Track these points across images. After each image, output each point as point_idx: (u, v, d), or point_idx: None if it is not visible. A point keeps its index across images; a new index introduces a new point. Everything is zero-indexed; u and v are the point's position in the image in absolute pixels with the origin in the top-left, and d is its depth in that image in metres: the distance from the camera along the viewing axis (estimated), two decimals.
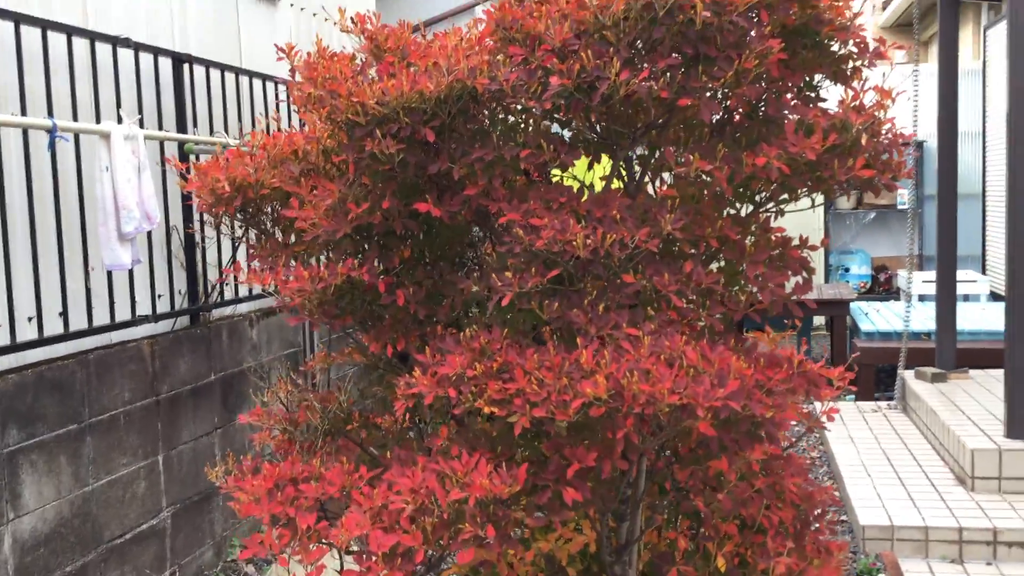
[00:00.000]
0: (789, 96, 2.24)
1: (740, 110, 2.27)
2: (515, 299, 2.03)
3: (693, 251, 2.15)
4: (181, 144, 5.18)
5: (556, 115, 2.18)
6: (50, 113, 4.23)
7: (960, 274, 9.05)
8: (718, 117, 2.29)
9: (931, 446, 6.47)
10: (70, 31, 4.43)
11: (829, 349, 8.73)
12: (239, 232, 2.77)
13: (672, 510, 2.67)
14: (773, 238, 2.22)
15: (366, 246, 2.30)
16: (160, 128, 5.10)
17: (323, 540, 2.15)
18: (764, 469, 2.65)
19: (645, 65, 1.98)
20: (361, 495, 2.04)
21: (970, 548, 5.02)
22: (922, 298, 8.97)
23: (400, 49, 2.20)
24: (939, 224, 7.02)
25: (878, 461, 6.25)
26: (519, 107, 2.15)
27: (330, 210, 2.17)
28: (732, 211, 2.33)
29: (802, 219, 10.74)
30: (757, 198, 2.29)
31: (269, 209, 2.50)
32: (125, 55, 4.82)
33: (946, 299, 7.01)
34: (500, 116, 2.22)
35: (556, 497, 1.98)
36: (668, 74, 1.99)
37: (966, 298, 9.20)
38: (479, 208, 2.17)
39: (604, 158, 2.32)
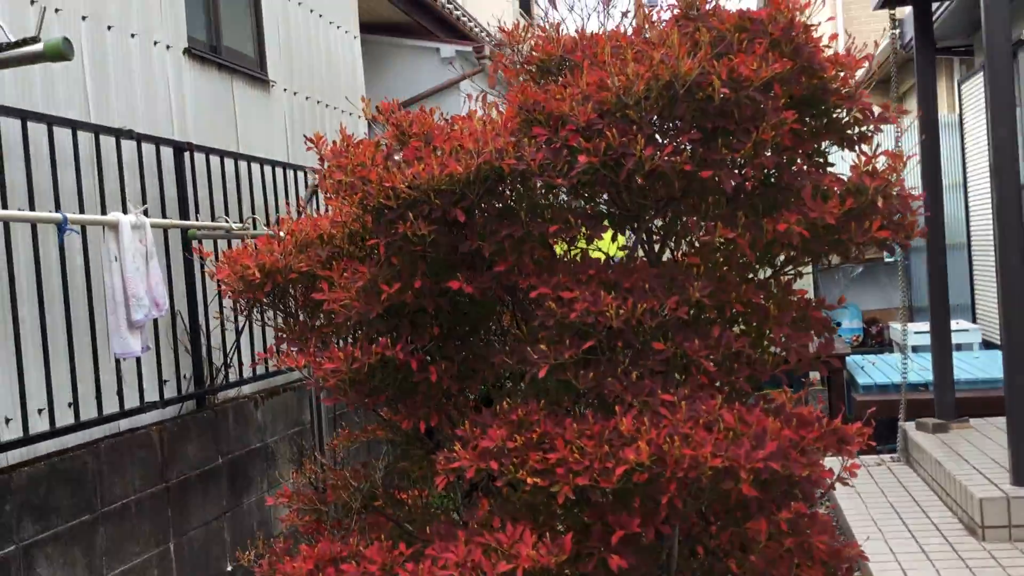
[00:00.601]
0: (800, 163, 2.33)
1: (753, 178, 2.34)
2: (550, 371, 2.07)
3: (719, 316, 2.21)
4: (184, 230, 5.24)
5: (579, 191, 2.25)
6: (57, 207, 4.29)
7: (952, 324, 9.14)
8: (735, 184, 2.37)
9: (938, 497, 6.48)
10: (75, 125, 4.51)
11: (827, 404, 8.77)
12: (254, 316, 2.82)
13: (706, 574, 2.69)
14: (794, 300, 2.29)
15: (397, 324, 2.35)
16: (163, 215, 5.16)
17: None
18: (791, 529, 2.68)
19: (667, 141, 2.06)
20: (405, 572, 2.06)
21: None
22: (915, 349, 9.05)
23: (425, 134, 2.27)
24: (930, 275, 7.12)
25: (886, 514, 6.25)
26: (542, 185, 2.22)
27: (362, 291, 2.22)
28: (752, 275, 2.40)
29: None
30: (776, 262, 2.36)
31: (294, 292, 2.55)
32: (128, 146, 4.91)
33: (942, 349, 7.08)
34: (525, 194, 2.29)
35: (601, 565, 2.00)
36: (689, 148, 2.06)
37: (959, 347, 9.28)
38: (507, 283, 2.23)
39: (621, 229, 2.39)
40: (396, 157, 2.25)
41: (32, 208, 4.16)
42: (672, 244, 2.42)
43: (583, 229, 2.18)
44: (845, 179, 2.21)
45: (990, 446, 6.56)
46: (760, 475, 1.84)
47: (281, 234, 2.51)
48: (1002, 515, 5.51)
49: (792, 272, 2.38)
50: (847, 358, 8.74)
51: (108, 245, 4.38)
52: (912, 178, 7.87)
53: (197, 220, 5.50)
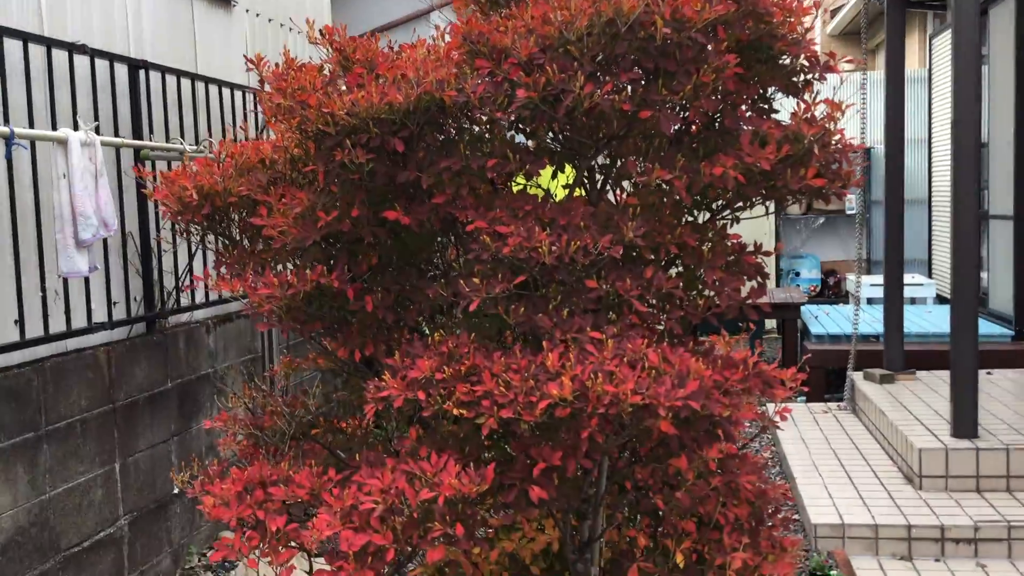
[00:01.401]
0: (744, 108, 2.33)
1: (698, 122, 2.34)
2: (482, 304, 2.08)
3: (653, 257, 2.22)
4: (138, 151, 5.17)
5: (521, 126, 2.24)
6: (6, 120, 4.21)
7: (907, 277, 9.27)
8: (676, 128, 2.37)
9: (880, 446, 6.62)
10: (26, 37, 4.41)
11: (781, 352, 8.89)
12: (206, 239, 2.80)
13: (632, 509, 2.75)
14: (729, 244, 2.31)
15: (334, 253, 2.34)
16: (116, 135, 5.08)
17: (292, 542, 2.19)
18: (720, 468, 2.73)
19: (608, 79, 2.05)
20: (332, 496, 2.08)
21: (919, 545, 5.16)
22: (870, 301, 9.17)
23: (368, 61, 2.25)
24: (887, 228, 7.19)
25: (829, 461, 6.39)
26: (485, 118, 2.21)
27: (299, 218, 2.21)
28: (690, 219, 2.41)
29: (754, 225, 10.92)
30: (714, 206, 2.37)
31: (236, 217, 2.54)
32: (81, 61, 4.81)
33: (894, 302, 7.19)
34: (467, 127, 2.27)
35: (522, 495, 2.03)
36: (630, 87, 2.06)
37: (913, 301, 9.42)
38: (446, 216, 2.23)
39: (567, 167, 2.39)
40: (339, 84, 2.22)
41: None
42: (612, 185, 2.43)
43: (523, 165, 2.17)
44: (785, 126, 2.22)
45: (934, 398, 6.69)
46: (679, 413, 1.87)
47: (222, 156, 2.48)
48: (940, 465, 5.64)
49: (730, 217, 2.39)
50: (802, 307, 8.83)
51: (57, 162, 4.32)
52: (853, 129, 7.92)
53: (151, 141, 5.42)
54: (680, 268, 2.39)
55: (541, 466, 1.99)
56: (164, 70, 5.52)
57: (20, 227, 4.31)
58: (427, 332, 2.25)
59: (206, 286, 2.26)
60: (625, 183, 2.48)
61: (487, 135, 2.31)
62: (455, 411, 1.95)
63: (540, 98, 2.03)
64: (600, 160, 2.37)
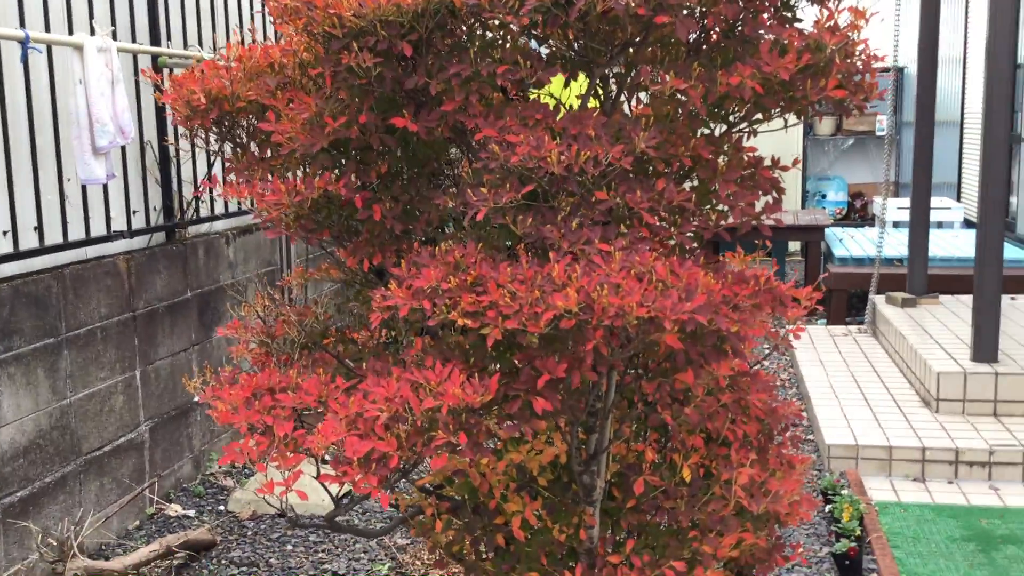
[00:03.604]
0: (766, 16, 2.25)
1: (717, 30, 2.28)
2: (490, 214, 2.05)
3: (666, 169, 2.18)
4: (155, 57, 5.12)
5: (534, 32, 2.18)
6: (22, 24, 4.17)
7: (935, 201, 9.13)
8: (696, 36, 2.30)
9: (899, 369, 6.60)
10: None
11: (803, 274, 8.83)
12: (215, 146, 2.77)
13: (641, 424, 2.74)
14: (745, 158, 2.25)
15: (343, 161, 2.31)
16: (133, 41, 5.03)
17: (300, 448, 2.20)
18: (731, 385, 2.72)
19: None
20: (337, 403, 2.09)
21: (932, 467, 5.17)
22: (896, 225, 9.06)
23: None
24: (915, 151, 7.06)
25: (846, 383, 6.38)
26: (497, 23, 2.15)
27: (307, 124, 2.18)
28: (707, 131, 2.35)
29: (780, 144, 10.76)
30: (731, 118, 2.31)
31: (245, 123, 2.50)
32: None
33: (919, 225, 7.09)
34: (479, 32, 2.22)
35: (527, 407, 2.03)
36: None
37: (940, 225, 9.30)
38: (456, 125, 2.18)
39: (581, 77, 2.33)
40: None
41: None
42: (628, 95, 2.37)
43: (535, 71, 2.12)
44: (807, 34, 2.15)
45: (956, 323, 6.64)
46: (686, 327, 1.85)
47: (231, 60, 2.44)
48: (957, 389, 5.62)
49: (747, 129, 2.33)
50: (826, 229, 8.75)
51: (73, 68, 4.28)
52: (886, 46, 7.65)
53: (170, 48, 5.37)
54: (695, 182, 2.34)
55: (546, 378, 1.98)
56: None
57: (37, 133, 4.31)
58: (439, 244, 2.22)
59: (212, 195, 2.24)
60: (642, 94, 2.42)
61: (499, 41, 2.25)
62: (460, 321, 1.94)
63: (552, 1, 1.98)
64: (617, 69, 2.31)
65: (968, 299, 6.69)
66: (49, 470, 4.34)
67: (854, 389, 6.27)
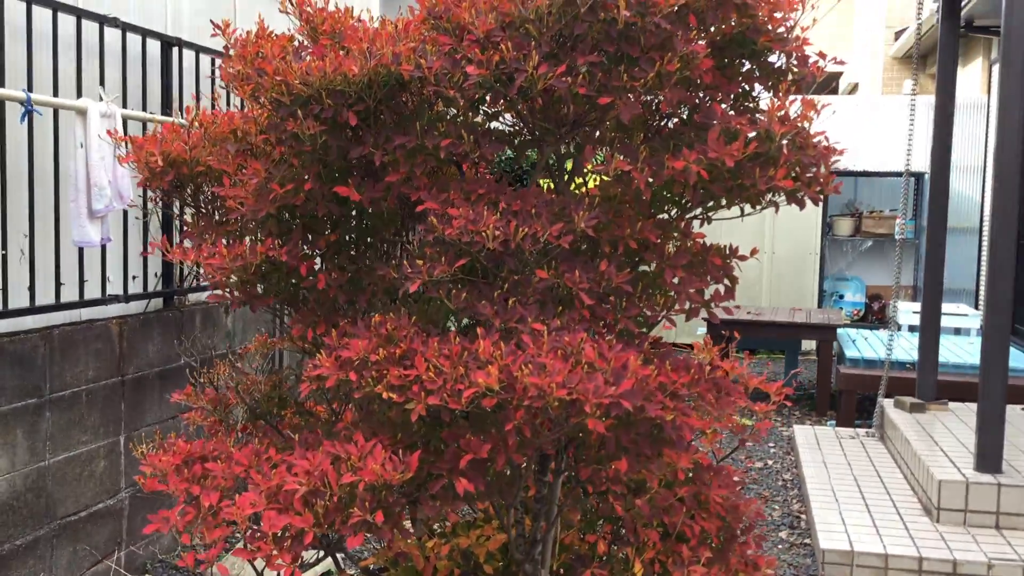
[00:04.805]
0: (724, 105, 2.23)
1: (675, 116, 2.26)
2: (426, 287, 2.02)
3: (611, 251, 2.14)
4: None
5: (479, 106, 2.18)
6: (30, 87, 4.25)
7: (952, 307, 9.01)
8: (653, 122, 2.28)
9: (903, 475, 6.43)
10: (56, 7, 4.45)
11: (815, 373, 8.69)
12: (175, 210, 2.77)
13: (593, 513, 2.66)
14: (692, 244, 2.21)
15: (293, 227, 2.30)
16: (145, 109, 5.12)
17: (225, 519, 2.14)
18: (692, 479, 2.64)
19: (567, 60, 1.97)
20: (260, 475, 2.03)
21: None
22: (912, 329, 8.93)
23: (335, 32, 2.19)
24: (927, 255, 6.99)
25: (848, 487, 6.22)
26: (446, 96, 2.15)
27: (256, 190, 2.17)
28: (663, 216, 2.32)
29: (799, 243, 10.73)
30: (684, 203, 2.28)
31: (205, 187, 2.50)
32: (112, 35, 4.85)
33: (929, 330, 6.98)
34: (428, 105, 2.21)
35: (450, 487, 1.97)
36: (588, 71, 1.98)
37: (957, 331, 9.16)
38: (402, 196, 2.17)
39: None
40: (304, 55, 2.17)
41: (2, 86, 4.12)
42: (580, 175, 2.34)
43: (479, 147, 2.10)
44: (757, 123, 2.12)
45: (963, 431, 6.48)
46: (609, 411, 1.78)
47: (194, 124, 2.45)
48: (959, 499, 5.45)
49: (701, 216, 2.30)
50: (838, 330, 8.63)
51: (75, 131, 4.35)
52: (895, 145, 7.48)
53: (182, 117, 5.45)
54: (652, 266, 2.30)
55: (468, 457, 1.92)
56: (199, 49, 5.55)
57: (36, 194, 4.35)
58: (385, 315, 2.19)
59: (170, 259, 2.22)
60: (605, 176, 2.40)
61: (451, 115, 2.24)
62: (385, 394, 1.89)
63: (494, 77, 1.96)
64: (568, 149, 2.30)
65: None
66: (20, 533, 4.28)
67: (855, 494, 6.11)
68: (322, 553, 2.14)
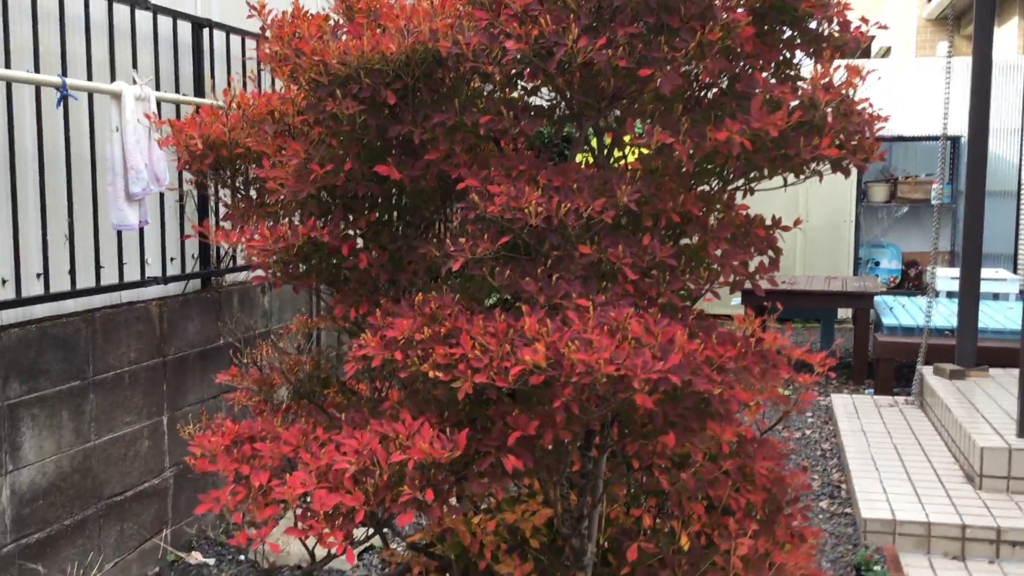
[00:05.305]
0: (765, 74, 2.20)
1: (715, 86, 2.23)
2: (468, 265, 2.02)
3: (654, 225, 2.12)
4: (198, 108, 5.21)
5: (522, 82, 2.16)
6: (64, 71, 4.28)
7: (991, 272, 8.90)
8: (694, 93, 2.26)
9: (943, 443, 6.38)
10: None
11: (852, 342, 8.63)
12: (215, 192, 2.78)
13: (638, 487, 2.66)
14: (735, 216, 2.19)
15: (333, 208, 2.30)
16: (177, 91, 5.14)
17: (275, 499, 2.16)
18: (736, 452, 2.62)
19: (605, 33, 1.95)
20: (309, 454, 2.05)
21: (973, 546, 4.96)
22: (950, 295, 8.83)
23: (371, 10, 2.19)
24: (966, 219, 6.89)
25: (888, 456, 6.19)
26: (485, 73, 2.13)
27: (296, 170, 2.17)
28: (705, 188, 2.30)
29: (835, 211, 10.62)
30: (727, 175, 2.26)
31: (244, 169, 2.51)
32: (143, 17, 4.86)
33: (969, 296, 6.89)
34: (466, 82, 2.20)
35: (498, 464, 1.97)
36: (628, 43, 1.96)
37: (996, 296, 9.05)
38: (441, 174, 2.16)
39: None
40: (341, 34, 2.17)
41: (38, 72, 4.15)
42: (621, 149, 2.33)
43: (518, 122, 2.09)
44: (801, 91, 2.09)
45: (1004, 397, 6.41)
46: (657, 387, 1.78)
47: (233, 106, 2.45)
48: (1002, 466, 5.41)
49: (743, 187, 2.27)
50: (876, 298, 8.55)
51: (110, 114, 4.38)
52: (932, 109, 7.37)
53: (214, 98, 5.47)
54: (694, 239, 2.28)
55: (516, 435, 1.92)
56: (229, 29, 5.56)
57: (75, 179, 4.39)
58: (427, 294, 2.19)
59: (213, 241, 2.24)
60: (646, 148, 2.38)
61: (488, 91, 2.23)
62: (431, 373, 1.89)
63: (532, 51, 1.95)
64: (610, 122, 2.28)
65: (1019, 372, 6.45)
66: (68, 513, 4.35)
67: (896, 462, 6.07)
68: (371, 531, 2.15)
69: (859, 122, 2.10)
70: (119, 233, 4.71)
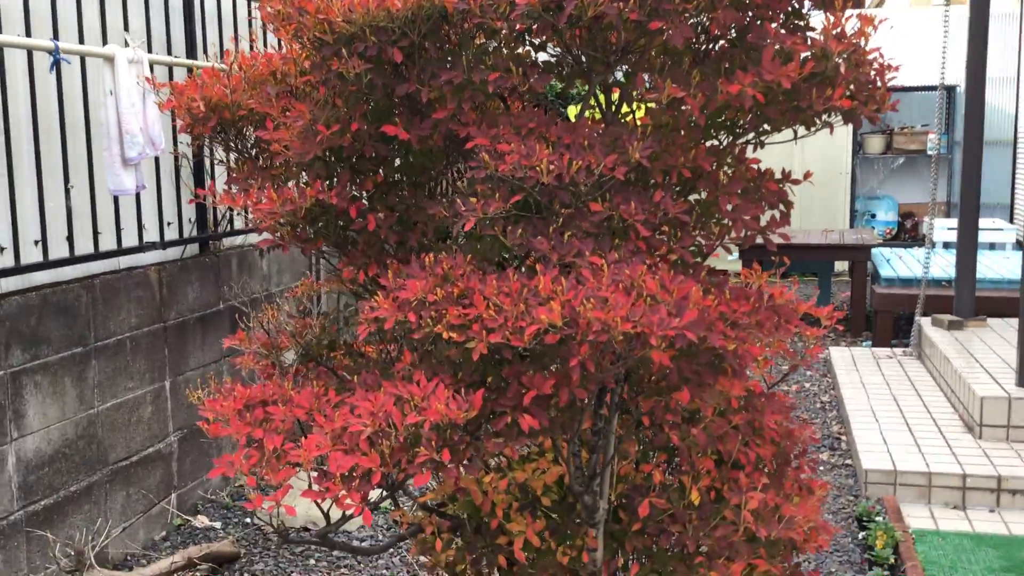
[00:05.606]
0: (775, 25, 2.18)
1: (724, 38, 2.21)
2: (480, 225, 2.00)
3: (664, 180, 2.11)
4: (190, 70, 5.16)
5: (530, 37, 2.13)
6: (56, 36, 4.22)
7: (987, 222, 8.90)
8: (702, 45, 2.23)
9: (943, 393, 6.42)
10: None
11: (849, 294, 8.65)
12: (218, 155, 2.76)
13: (648, 443, 2.67)
14: (746, 170, 2.18)
15: (339, 169, 2.28)
16: (169, 54, 5.08)
17: (289, 462, 2.16)
18: (744, 406, 2.63)
19: None
20: (324, 417, 2.04)
21: (973, 495, 5.00)
22: (947, 245, 8.85)
23: None
24: (963, 170, 6.88)
25: (887, 407, 6.22)
26: (492, 29, 2.10)
27: (302, 132, 2.15)
28: (715, 142, 2.28)
29: (829, 161, 10.58)
30: (737, 129, 2.24)
31: (247, 131, 2.48)
32: None
33: (967, 246, 6.90)
34: (473, 38, 2.17)
35: (514, 424, 1.97)
36: None
37: (992, 246, 9.06)
38: (450, 133, 2.14)
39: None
40: None
41: (29, 36, 4.09)
42: (629, 104, 2.30)
43: (527, 79, 2.06)
44: (813, 42, 2.06)
45: (1002, 346, 6.44)
46: (673, 343, 1.77)
47: (234, 68, 2.42)
48: (1002, 415, 5.45)
49: (754, 141, 2.25)
50: (873, 250, 8.56)
51: (104, 78, 4.32)
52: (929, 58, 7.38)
53: (207, 60, 5.41)
54: (704, 194, 2.27)
55: (532, 394, 1.92)
56: None
57: (70, 145, 4.35)
58: (436, 254, 2.17)
59: (217, 204, 2.22)
60: (655, 103, 2.35)
61: (495, 47, 2.20)
62: (445, 334, 1.89)
63: (541, 6, 1.92)
64: (619, 77, 2.25)
65: (1018, 322, 6.48)
66: (74, 479, 4.36)
67: (895, 413, 6.11)
68: (384, 493, 2.16)
69: (871, 72, 2.08)
70: (116, 198, 4.68)
